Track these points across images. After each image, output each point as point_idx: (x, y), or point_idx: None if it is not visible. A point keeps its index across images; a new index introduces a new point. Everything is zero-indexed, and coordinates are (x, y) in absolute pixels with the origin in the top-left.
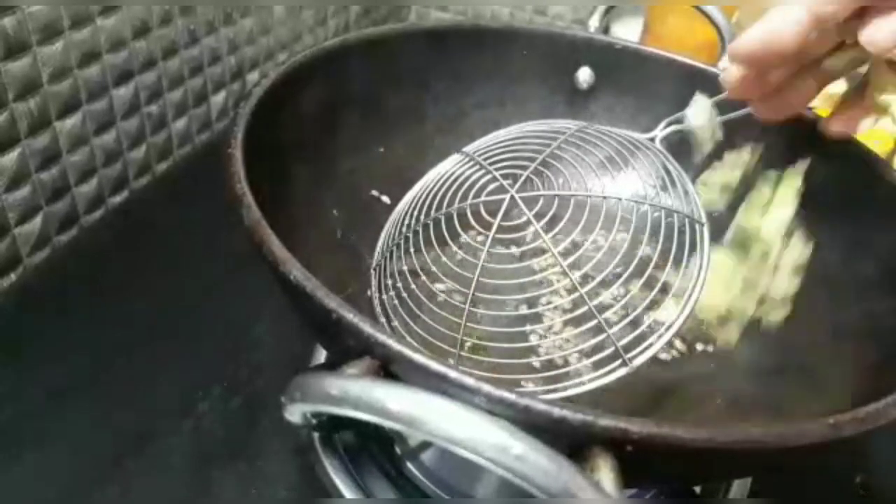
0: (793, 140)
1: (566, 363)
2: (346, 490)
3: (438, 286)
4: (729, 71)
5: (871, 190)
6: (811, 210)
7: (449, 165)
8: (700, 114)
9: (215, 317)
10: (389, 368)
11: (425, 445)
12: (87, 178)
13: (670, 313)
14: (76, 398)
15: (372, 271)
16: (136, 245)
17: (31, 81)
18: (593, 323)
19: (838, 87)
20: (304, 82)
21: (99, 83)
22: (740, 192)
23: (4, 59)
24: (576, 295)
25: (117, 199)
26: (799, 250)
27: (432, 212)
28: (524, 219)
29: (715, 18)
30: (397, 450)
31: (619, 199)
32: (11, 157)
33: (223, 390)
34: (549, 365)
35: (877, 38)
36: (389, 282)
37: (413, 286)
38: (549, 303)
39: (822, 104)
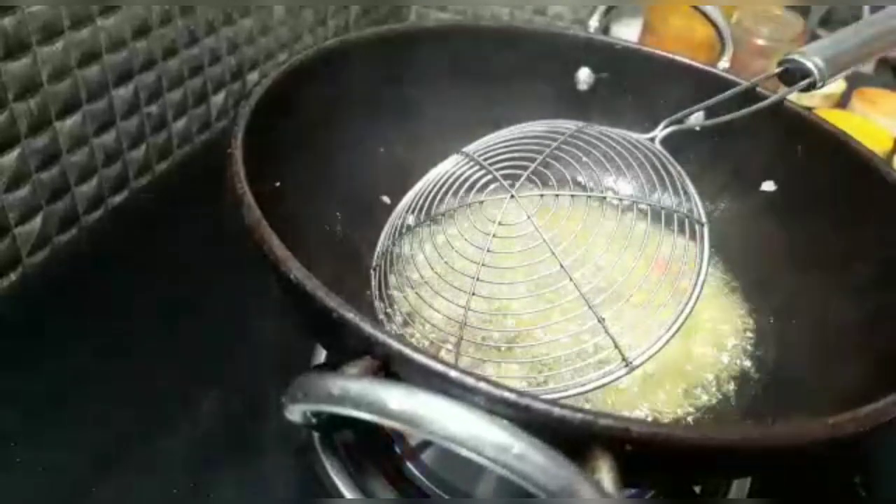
0: (792, 139)
1: (567, 363)
2: (346, 490)
3: (438, 286)
4: None
5: (871, 190)
6: (811, 210)
7: (449, 165)
8: None
9: (215, 317)
10: (390, 368)
11: (425, 445)
12: (87, 178)
13: (671, 313)
14: (76, 398)
15: (372, 271)
16: (136, 245)
17: (31, 81)
18: (594, 323)
19: (838, 87)
20: (304, 82)
21: (99, 83)
22: None
23: (4, 59)
24: (576, 295)
25: (117, 199)
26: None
27: (432, 212)
28: (524, 219)
29: (714, 18)
30: (397, 450)
31: (620, 199)
32: (11, 157)
33: (223, 390)
34: (550, 365)
35: None
36: (389, 281)
37: (413, 286)
38: (548, 303)
39: (821, 104)
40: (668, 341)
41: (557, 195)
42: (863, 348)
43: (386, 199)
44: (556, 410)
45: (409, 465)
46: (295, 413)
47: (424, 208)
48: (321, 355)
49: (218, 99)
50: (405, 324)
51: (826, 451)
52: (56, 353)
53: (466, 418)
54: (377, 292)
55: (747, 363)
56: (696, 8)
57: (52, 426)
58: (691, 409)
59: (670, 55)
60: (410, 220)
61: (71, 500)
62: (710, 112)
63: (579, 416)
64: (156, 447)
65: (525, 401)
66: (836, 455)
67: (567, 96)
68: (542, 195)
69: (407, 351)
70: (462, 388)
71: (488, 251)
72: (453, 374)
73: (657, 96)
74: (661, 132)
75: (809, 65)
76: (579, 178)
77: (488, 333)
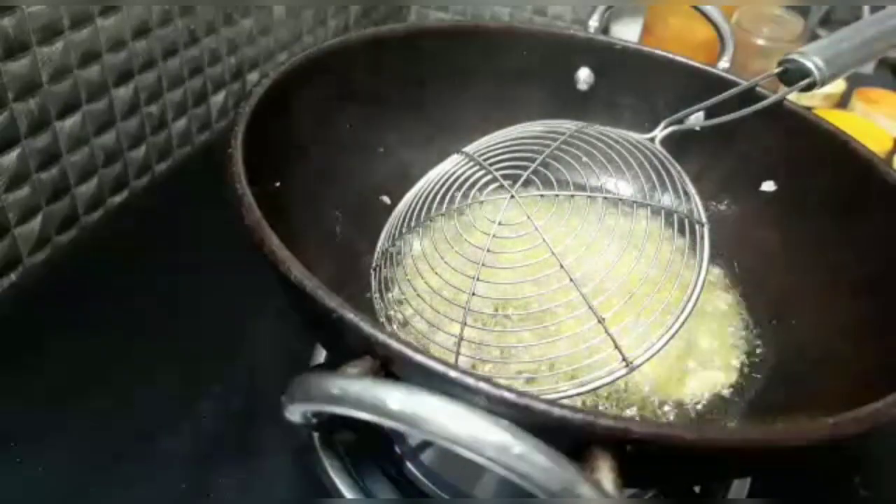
0: (792, 139)
1: (567, 363)
2: (346, 490)
3: (438, 286)
4: None
5: (871, 190)
6: (811, 210)
7: (449, 165)
8: None
9: (215, 317)
10: (390, 368)
11: (425, 445)
12: (87, 178)
13: (671, 314)
14: (76, 398)
15: (372, 271)
16: (136, 245)
17: (31, 81)
18: (594, 323)
19: (838, 87)
20: (305, 82)
21: (99, 83)
22: None
23: (4, 59)
24: (576, 295)
25: (117, 199)
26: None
27: (432, 212)
28: (524, 219)
29: (714, 18)
30: (397, 450)
31: (620, 200)
32: (11, 157)
33: (223, 390)
34: (550, 365)
35: None
36: (390, 281)
37: (413, 286)
38: (548, 303)
39: (821, 104)
40: (668, 341)
41: (557, 195)
42: (863, 348)
43: (386, 199)
44: (556, 410)
45: (409, 465)
46: (295, 413)
47: (424, 208)
48: (321, 355)
49: (218, 99)
50: (405, 324)
51: (826, 451)
52: (56, 352)
53: (466, 418)
54: (377, 293)
55: (747, 363)
56: (696, 8)
57: (52, 426)
58: (691, 409)
59: (670, 55)
60: (411, 220)
61: (71, 500)
62: (710, 112)
63: (579, 416)
64: (156, 447)
65: (525, 401)
66: (836, 455)
67: (567, 96)
68: (542, 195)
69: (407, 351)
70: (462, 388)
71: (488, 251)
72: (453, 374)
73: (657, 96)
74: (661, 132)
75: (809, 65)
76: (579, 179)
77: (488, 333)
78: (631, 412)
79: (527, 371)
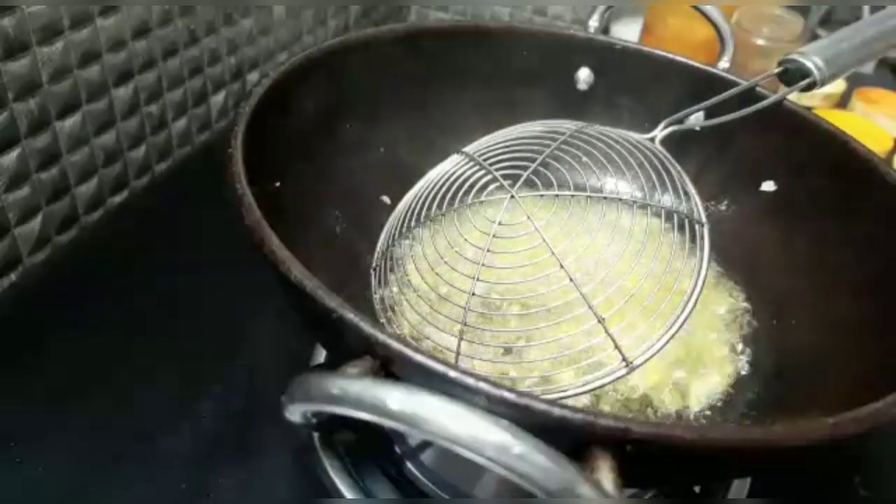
0: (792, 139)
1: (567, 363)
2: (346, 490)
3: (438, 286)
4: None
5: (871, 190)
6: (811, 210)
7: (449, 165)
8: None
9: (215, 317)
10: (390, 368)
11: (425, 445)
12: (87, 178)
13: (671, 314)
14: (76, 398)
15: (372, 271)
16: (136, 245)
17: (31, 81)
18: (594, 323)
19: (838, 87)
20: (305, 82)
21: (99, 83)
22: None
23: (4, 59)
24: (576, 295)
25: (117, 199)
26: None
27: (432, 212)
28: (524, 219)
29: (714, 18)
30: (397, 450)
31: (620, 200)
32: (11, 157)
33: (223, 390)
34: (550, 365)
35: None
36: (390, 282)
37: (413, 286)
38: (549, 303)
39: (821, 104)
40: (668, 341)
41: (557, 195)
42: (863, 348)
43: (386, 199)
44: (556, 410)
45: (409, 465)
46: (295, 413)
47: (424, 208)
48: (321, 355)
49: (218, 99)
50: (405, 324)
51: (826, 451)
52: (56, 352)
53: (466, 418)
54: (377, 293)
55: (747, 363)
56: (696, 8)
57: (52, 426)
58: (691, 410)
59: (670, 55)
60: (411, 220)
61: (71, 500)
62: (710, 112)
63: (579, 416)
64: (156, 447)
65: (525, 401)
66: (836, 455)
67: (567, 96)
68: (542, 195)
69: (407, 351)
70: (462, 388)
71: (488, 251)
72: (453, 374)
73: (657, 96)
74: (661, 132)
75: (809, 65)
76: (579, 179)
77: (488, 333)
78: (630, 413)
79: (527, 371)
